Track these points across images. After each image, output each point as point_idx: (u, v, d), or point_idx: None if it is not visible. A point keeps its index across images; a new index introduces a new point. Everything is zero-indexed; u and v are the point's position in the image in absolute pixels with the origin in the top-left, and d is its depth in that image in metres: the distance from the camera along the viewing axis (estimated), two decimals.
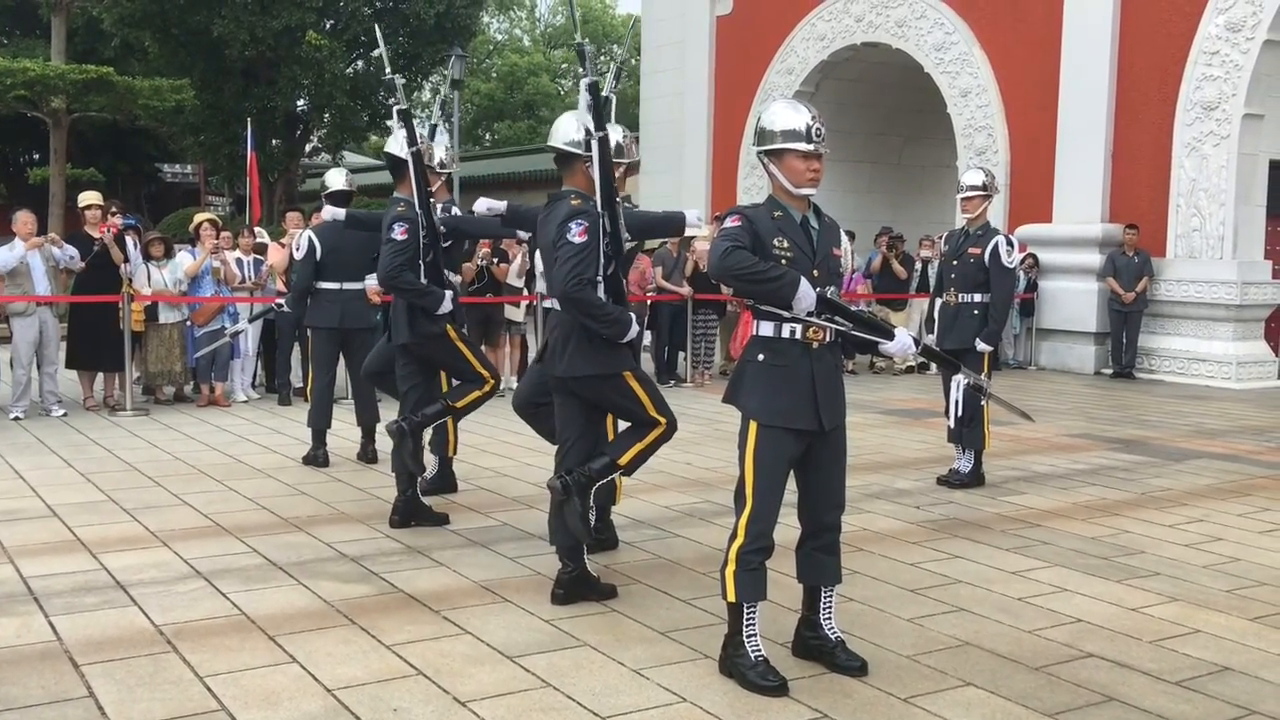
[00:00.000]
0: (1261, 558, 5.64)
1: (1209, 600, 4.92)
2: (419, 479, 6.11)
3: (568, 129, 4.78)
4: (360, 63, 26.94)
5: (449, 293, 5.97)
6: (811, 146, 3.84)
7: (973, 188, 7.34)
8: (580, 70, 4.63)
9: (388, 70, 6.38)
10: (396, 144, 6.03)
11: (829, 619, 4.06)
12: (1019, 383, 13.18)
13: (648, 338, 13.17)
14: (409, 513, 5.96)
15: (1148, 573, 5.33)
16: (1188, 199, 13.71)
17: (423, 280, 5.89)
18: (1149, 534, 6.09)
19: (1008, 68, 15.58)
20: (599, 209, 4.55)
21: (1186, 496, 7.08)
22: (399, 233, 5.81)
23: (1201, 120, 13.51)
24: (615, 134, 4.78)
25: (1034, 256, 14.91)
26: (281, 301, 8.92)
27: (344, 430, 8.17)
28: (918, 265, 14.53)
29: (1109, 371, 14.29)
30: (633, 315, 4.62)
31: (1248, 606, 4.84)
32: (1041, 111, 15.12)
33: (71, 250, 9.83)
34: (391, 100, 6.05)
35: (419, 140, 5.93)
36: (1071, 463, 8.16)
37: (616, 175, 4.69)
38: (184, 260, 10.52)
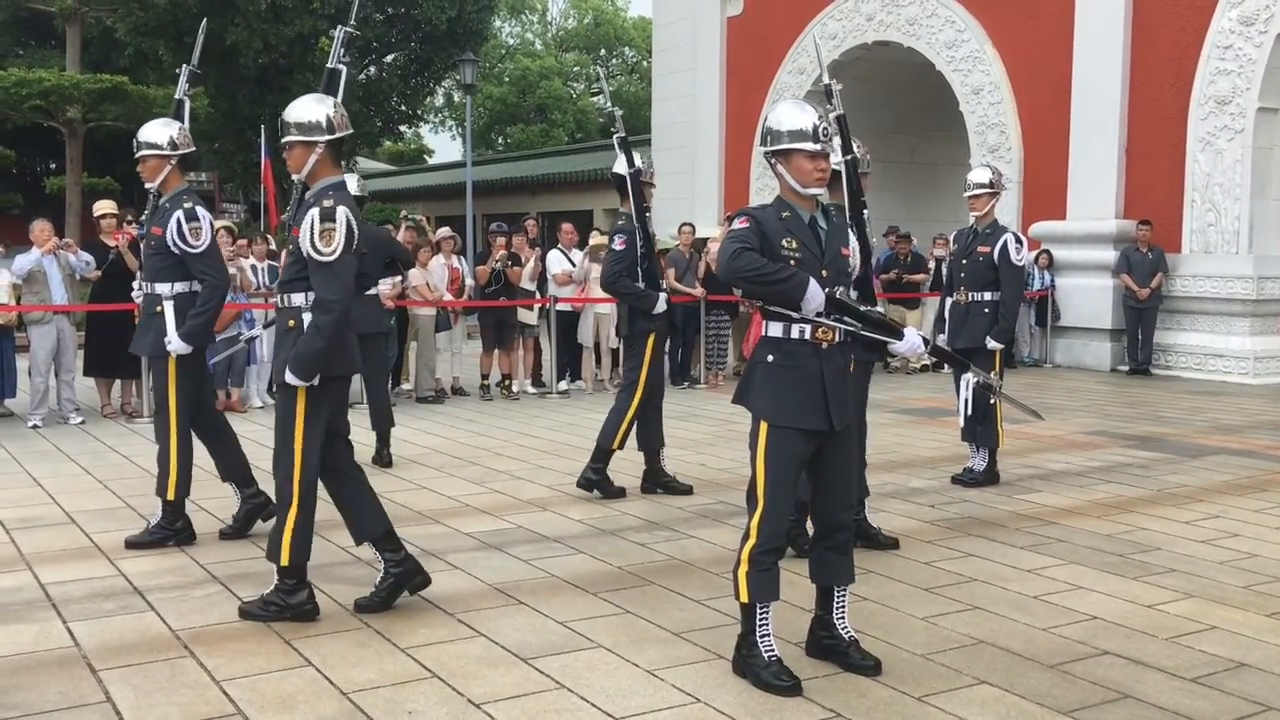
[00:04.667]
0: (1278, 553, 5.61)
1: (1225, 596, 4.90)
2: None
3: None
4: (372, 69, 27.07)
5: (662, 295, 6.77)
6: (819, 146, 3.83)
7: (979, 185, 7.31)
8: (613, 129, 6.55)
9: (609, 105, 7.05)
10: (621, 165, 6.81)
11: (842, 618, 4.05)
12: (1035, 380, 13.13)
13: None
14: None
15: (1163, 569, 5.31)
16: (1202, 194, 13.63)
17: (640, 284, 6.66)
18: (1165, 530, 6.06)
19: (1020, 64, 15.54)
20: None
21: (1203, 493, 7.05)
22: (618, 244, 6.65)
23: (1215, 115, 13.44)
24: (326, 108, 4.39)
25: (1049, 254, 14.86)
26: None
27: (358, 435, 8.14)
28: (931, 264, 14.48)
29: (1125, 368, 14.22)
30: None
31: (1264, 602, 4.82)
32: (1054, 108, 15.06)
33: (87, 257, 9.90)
34: (612, 129, 7.01)
35: (635, 164, 6.73)
36: (1087, 460, 8.13)
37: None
38: None
